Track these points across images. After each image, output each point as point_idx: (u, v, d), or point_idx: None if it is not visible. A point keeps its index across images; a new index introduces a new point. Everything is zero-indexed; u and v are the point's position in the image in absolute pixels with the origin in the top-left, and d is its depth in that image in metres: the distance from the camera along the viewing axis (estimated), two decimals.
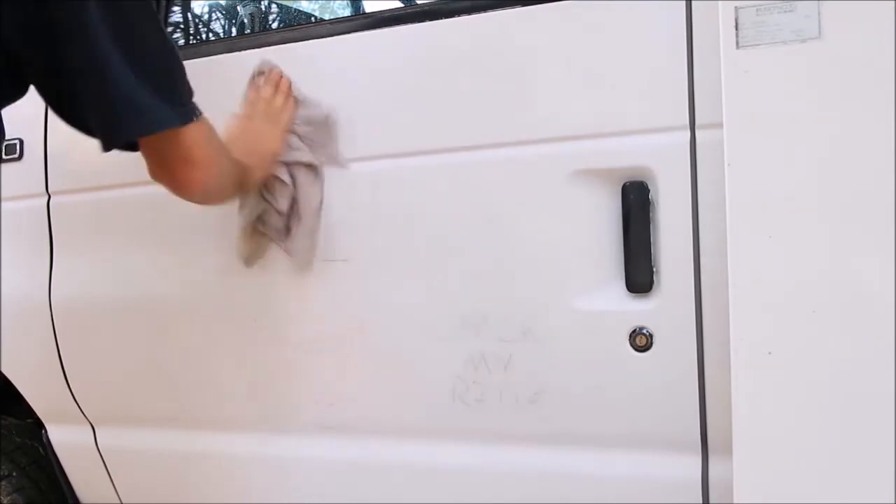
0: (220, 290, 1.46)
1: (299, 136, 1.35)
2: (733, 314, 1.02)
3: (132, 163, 1.51)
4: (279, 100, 1.34)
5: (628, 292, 1.20)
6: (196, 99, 1.11)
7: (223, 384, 1.49)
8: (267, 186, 1.35)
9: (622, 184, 1.19)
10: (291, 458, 1.47)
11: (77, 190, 1.57)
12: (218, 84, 1.46)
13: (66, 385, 1.61)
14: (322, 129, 1.35)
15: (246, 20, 1.71)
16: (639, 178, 1.19)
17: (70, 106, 1.07)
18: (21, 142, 1.59)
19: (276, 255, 1.40)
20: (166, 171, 1.13)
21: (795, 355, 0.99)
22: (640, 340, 1.19)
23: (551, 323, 1.24)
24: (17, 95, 1.10)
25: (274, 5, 1.85)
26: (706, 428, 1.17)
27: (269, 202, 1.35)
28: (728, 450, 1.03)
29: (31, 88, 1.09)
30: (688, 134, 1.16)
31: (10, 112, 1.47)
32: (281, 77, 1.36)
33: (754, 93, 1.00)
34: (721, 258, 1.03)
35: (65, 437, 1.67)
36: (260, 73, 1.37)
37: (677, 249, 1.17)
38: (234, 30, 1.74)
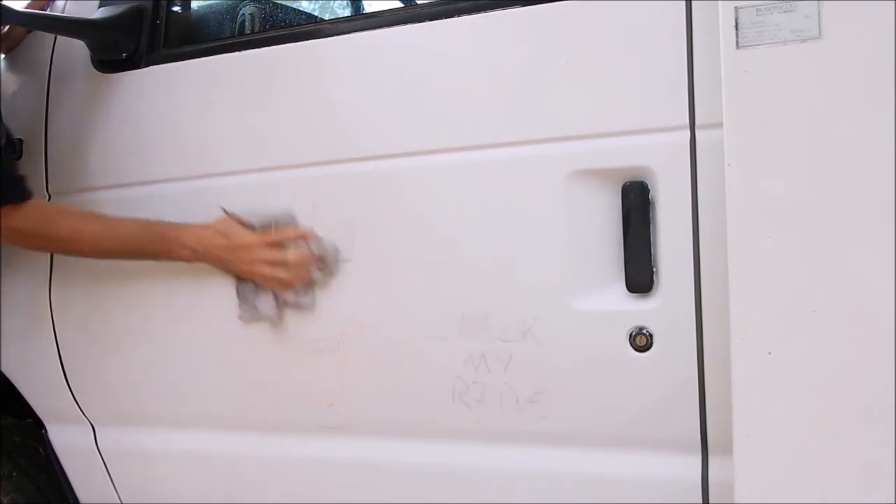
0: (220, 290, 1.46)
1: None
2: (733, 314, 1.02)
3: (131, 163, 1.53)
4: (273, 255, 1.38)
5: (628, 292, 1.20)
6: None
7: (223, 384, 1.49)
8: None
9: (622, 184, 1.19)
10: (291, 458, 1.47)
11: (77, 190, 1.57)
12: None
13: (66, 385, 1.61)
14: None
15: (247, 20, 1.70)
16: (639, 178, 1.19)
17: None
18: (21, 142, 1.58)
19: None
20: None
21: (795, 355, 0.99)
22: (640, 340, 1.19)
23: (551, 323, 1.24)
24: None
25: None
26: (706, 428, 1.17)
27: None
28: (728, 450, 1.03)
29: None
30: (688, 134, 1.15)
31: (10, 112, 1.47)
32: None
33: (754, 93, 1.00)
34: (721, 258, 1.03)
35: (65, 437, 1.67)
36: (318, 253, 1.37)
37: (677, 249, 1.17)
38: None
